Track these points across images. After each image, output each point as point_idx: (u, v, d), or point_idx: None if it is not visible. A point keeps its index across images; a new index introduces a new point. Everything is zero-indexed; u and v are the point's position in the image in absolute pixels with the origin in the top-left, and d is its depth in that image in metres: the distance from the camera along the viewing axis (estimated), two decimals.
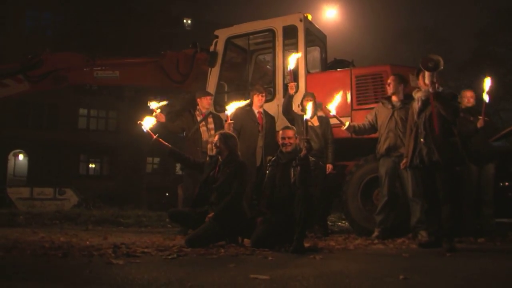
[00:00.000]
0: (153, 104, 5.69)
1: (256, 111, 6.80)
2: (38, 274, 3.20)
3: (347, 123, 5.90)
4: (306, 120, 4.84)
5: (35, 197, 17.37)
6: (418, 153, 5.08)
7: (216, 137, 5.45)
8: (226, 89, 8.37)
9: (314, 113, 6.58)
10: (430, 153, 4.96)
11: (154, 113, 5.73)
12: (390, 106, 6.10)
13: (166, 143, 5.51)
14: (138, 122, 5.41)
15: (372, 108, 6.38)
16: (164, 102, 5.81)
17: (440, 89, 4.97)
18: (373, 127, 6.18)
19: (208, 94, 7.30)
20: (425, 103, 5.00)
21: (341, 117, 6.07)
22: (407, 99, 6.05)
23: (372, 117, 6.20)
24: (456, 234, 5.03)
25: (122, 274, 3.08)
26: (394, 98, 6.12)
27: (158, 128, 5.64)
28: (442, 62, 4.79)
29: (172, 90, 8.31)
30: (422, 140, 5.03)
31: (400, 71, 6.56)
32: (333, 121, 6.33)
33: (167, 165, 31.46)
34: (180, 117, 7.24)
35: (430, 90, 4.88)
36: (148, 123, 5.40)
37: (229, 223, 5.05)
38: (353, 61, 8.08)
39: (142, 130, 5.40)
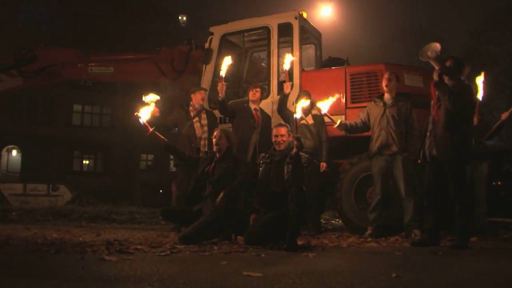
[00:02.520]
0: (148, 98, 5.66)
1: (252, 107, 6.79)
2: (31, 270, 3.19)
3: (338, 121, 5.91)
4: (296, 119, 4.85)
5: (28, 193, 17.28)
6: (423, 147, 5.11)
7: (216, 132, 5.46)
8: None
9: (309, 111, 6.60)
10: (431, 147, 4.98)
11: (148, 105, 5.70)
12: (381, 104, 6.11)
13: (162, 137, 5.49)
14: (135, 113, 5.38)
15: (366, 107, 6.39)
16: (157, 97, 5.77)
17: (466, 81, 4.98)
18: (365, 126, 6.19)
19: (202, 89, 7.28)
20: (439, 97, 4.95)
21: (335, 115, 6.08)
22: (399, 97, 6.10)
23: (365, 115, 6.20)
24: (468, 232, 4.99)
25: (115, 270, 3.08)
26: (386, 96, 6.13)
27: (153, 121, 5.61)
28: (439, 46, 4.80)
29: (166, 87, 8.28)
30: (428, 134, 5.05)
31: (395, 70, 6.58)
32: (326, 119, 6.34)
33: (161, 162, 31.43)
34: (173, 113, 7.23)
35: (436, 78, 4.86)
36: (145, 115, 5.37)
37: (225, 219, 5.06)
38: (347, 59, 8.09)
39: (139, 122, 5.37)
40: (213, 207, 5.11)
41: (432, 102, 5.08)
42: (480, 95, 5.97)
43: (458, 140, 4.89)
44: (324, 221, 9.35)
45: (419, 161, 5.33)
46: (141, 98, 5.76)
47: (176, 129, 7.21)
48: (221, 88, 6.37)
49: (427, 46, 4.93)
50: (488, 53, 27.02)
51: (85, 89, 27.43)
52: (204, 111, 7.07)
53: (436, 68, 4.88)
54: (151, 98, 5.64)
